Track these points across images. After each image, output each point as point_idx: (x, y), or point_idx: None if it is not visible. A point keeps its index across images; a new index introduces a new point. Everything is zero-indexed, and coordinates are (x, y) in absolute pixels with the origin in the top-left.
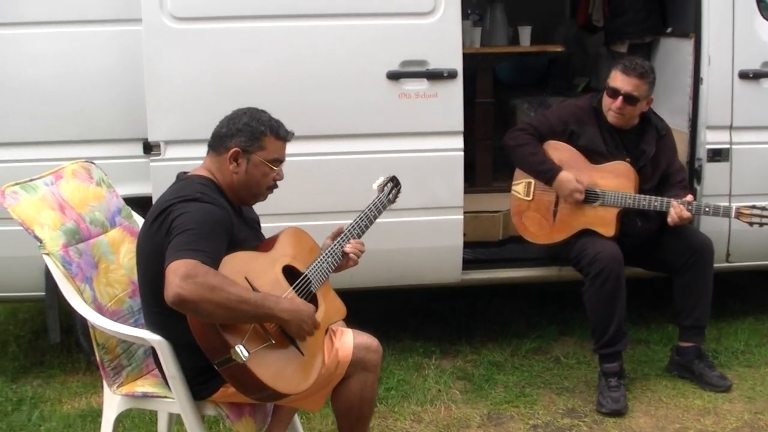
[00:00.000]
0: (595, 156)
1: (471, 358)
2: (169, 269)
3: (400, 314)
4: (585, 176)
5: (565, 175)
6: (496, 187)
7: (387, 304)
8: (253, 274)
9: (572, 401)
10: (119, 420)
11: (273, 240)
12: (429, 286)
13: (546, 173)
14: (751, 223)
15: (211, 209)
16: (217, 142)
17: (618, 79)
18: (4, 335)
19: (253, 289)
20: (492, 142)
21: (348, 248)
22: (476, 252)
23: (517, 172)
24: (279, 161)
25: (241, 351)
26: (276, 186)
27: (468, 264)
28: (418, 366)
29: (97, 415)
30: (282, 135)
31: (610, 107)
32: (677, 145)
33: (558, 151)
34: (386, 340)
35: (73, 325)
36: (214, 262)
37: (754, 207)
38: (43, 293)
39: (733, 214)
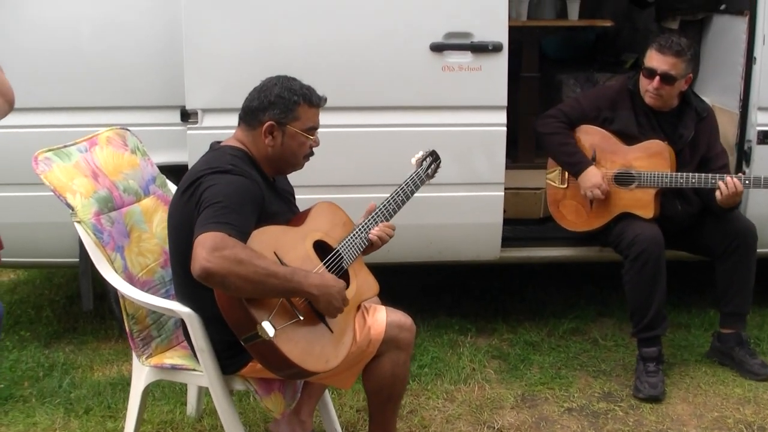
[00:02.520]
0: (628, 140)
1: (507, 337)
2: (196, 242)
3: (437, 290)
4: (619, 159)
5: (591, 171)
6: (538, 164)
7: (424, 279)
8: (282, 249)
9: (609, 385)
10: (149, 390)
11: (305, 214)
12: (467, 263)
13: (574, 165)
14: None
15: (241, 182)
16: (250, 116)
17: (654, 59)
18: (39, 300)
19: (282, 264)
20: (536, 118)
21: (374, 232)
22: (516, 229)
23: (550, 160)
24: (314, 129)
25: (267, 327)
26: (312, 153)
27: (507, 241)
28: (453, 343)
29: (127, 383)
30: (315, 102)
31: (647, 88)
32: (726, 126)
33: (589, 135)
34: (421, 316)
35: (106, 292)
36: (243, 236)
37: None
38: (77, 260)
39: None
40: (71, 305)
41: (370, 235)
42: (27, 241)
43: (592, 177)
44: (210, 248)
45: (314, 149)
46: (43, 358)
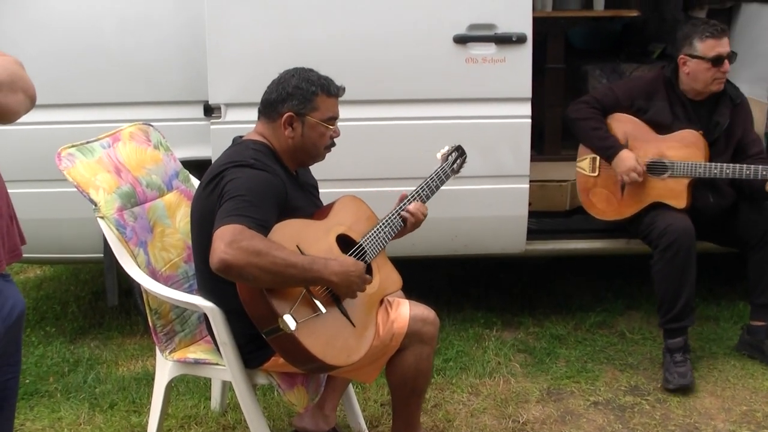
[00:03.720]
0: (661, 130)
1: (533, 330)
2: (215, 235)
3: (463, 284)
4: (651, 148)
5: (625, 154)
6: (564, 156)
7: (449, 272)
8: (305, 243)
9: (636, 378)
10: (173, 384)
11: (328, 208)
12: (492, 256)
13: (607, 150)
14: None
15: (263, 176)
16: (269, 109)
17: (714, 46)
18: (65, 296)
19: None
20: (561, 109)
21: (411, 207)
22: (542, 222)
23: (582, 148)
24: (333, 119)
25: (289, 320)
26: (333, 144)
27: (533, 234)
28: (479, 337)
29: (152, 378)
30: (333, 92)
31: (715, 77)
32: (756, 116)
33: (621, 123)
34: (447, 310)
35: (131, 287)
36: (263, 230)
37: None
38: (102, 255)
39: None
40: (97, 301)
41: (403, 212)
42: (52, 237)
43: (627, 160)
44: (228, 241)
45: (337, 141)
46: (68, 353)
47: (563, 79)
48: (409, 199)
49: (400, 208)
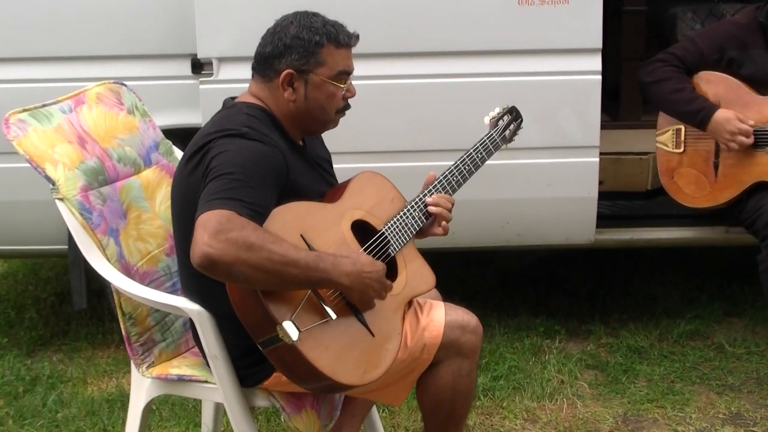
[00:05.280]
0: (762, 88)
1: (606, 341)
2: (198, 222)
3: (517, 283)
4: (752, 113)
5: (723, 114)
6: (645, 122)
7: (500, 269)
8: (312, 231)
9: (737, 403)
10: (155, 407)
11: (342, 188)
12: (554, 247)
13: (696, 114)
14: None
15: (258, 148)
16: (263, 65)
17: None
18: (21, 297)
19: (311, 249)
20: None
21: (431, 200)
22: (616, 205)
23: (662, 118)
24: (346, 74)
25: (290, 328)
26: (348, 106)
27: (605, 221)
28: (537, 349)
29: (128, 400)
30: (343, 41)
31: None
32: None
33: (712, 84)
34: (497, 315)
35: (103, 287)
36: (258, 216)
37: None
38: (66, 247)
39: None
40: (61, 304)
41: (427, 200)
42: (3, 224)
43: (727, 122)
44: (213, 230)
45: (356, 105)
46: (23, 369)
47: (644, 26)
48: (439, 182)
49: (431, 190)
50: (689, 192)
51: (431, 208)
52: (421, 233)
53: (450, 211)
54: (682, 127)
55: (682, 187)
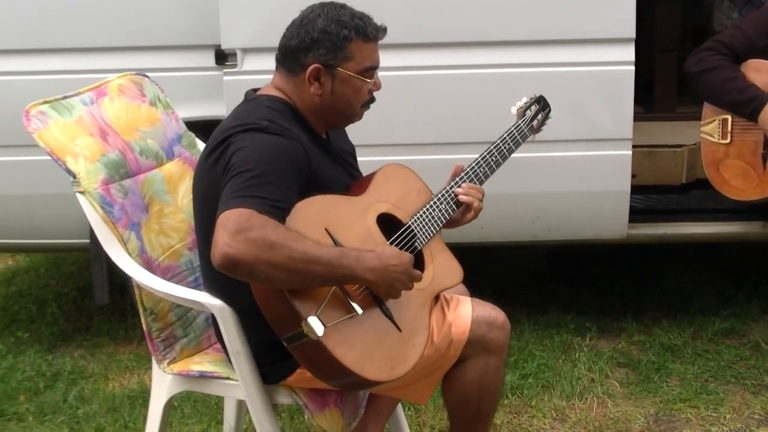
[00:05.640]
0: None
1: (638, 339)
2: (217, 223)
3: (547, 279)
4: None
5: None
6: (681, 114)
7: (531, 264)
8: (336, 226)
9: None
10: (176, 404)
11: (367, 181)
12: (584, 242)
13: (747, 104)
14: None
15: (278, 143)
16: (289, 59)
17: None
18: (43, 292)
19: (336, 245)
20: (678, 53)
21: (461, 190)
22: (649, 199)
23: (707, 108)
24: (372, 69)
25: (315, 324)
26: (373, 100)
27: (638, 215)
28: (567, 347)
29: (149, 396)
30: (371, 34)
31: None
32: None
33: (761, 72)
34: (526, 312)
35: (126, 282)
36: (280, 213)
37: None
38: (88, 241)
39: None
40: (83, 299)
41: (457, 191)
42: (25, 218)
43: None
44: (233, 230)
45: (380, 97)
46: (45, 365)
47: (679, 14)
48: (466, 173)
49: (459, 181)
50: (736, 184)
51: (462, 197)
52: (450, 223)
53: (480, 201)
54: (729, 117)
55: (728, 179)
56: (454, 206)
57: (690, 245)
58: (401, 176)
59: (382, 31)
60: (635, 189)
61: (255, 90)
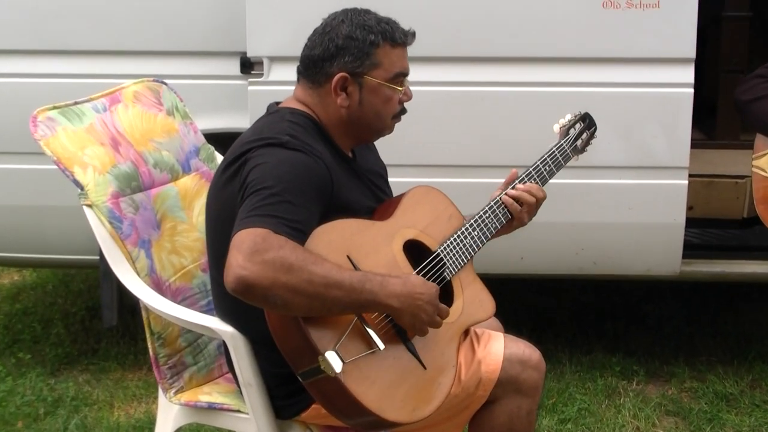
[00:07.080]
0: None
1: (690, 385)
2: (232, 244)
3: (593, 316)
4: None
5: None
6: (745, 142)
7: (573, 299)
8: (359, 252)
9: None
10: None
11: (394, 204)
12: (634, 278)
13: None
14: None
15: (300, 160)
16: (312, 69)
17: None
18: (49, 311)
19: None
20: (744, 76)
21: (512, 193)
22: (706, 234)
23: (759, 140)
24: (402, 75)
25: (333, 359)
26: (404, 111)
27: (693, 251)
28: (611, 391)
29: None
30: (399, 39)
31: None
32: None
33: None
34: (568, 351)
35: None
36: (298, 234)
37: None
38: (98, 257)
39: None
40: (92, 319)
41: (503, 196)
42: (32, 230)
43: None
44: (248, 251)
45: (414, 114)
46: (46, 389)
47: (747, 33)
48: (518, 180)
49: (495, 205)
50: None
51: (506, 198)
52: (499, 232)
53: (539, 198)
54: None
55: None
56: (491, 228)
57: (750, 285)
58: (431, 200)
59: (411, 35)
60: (691, 222)
61: (278, 103)
